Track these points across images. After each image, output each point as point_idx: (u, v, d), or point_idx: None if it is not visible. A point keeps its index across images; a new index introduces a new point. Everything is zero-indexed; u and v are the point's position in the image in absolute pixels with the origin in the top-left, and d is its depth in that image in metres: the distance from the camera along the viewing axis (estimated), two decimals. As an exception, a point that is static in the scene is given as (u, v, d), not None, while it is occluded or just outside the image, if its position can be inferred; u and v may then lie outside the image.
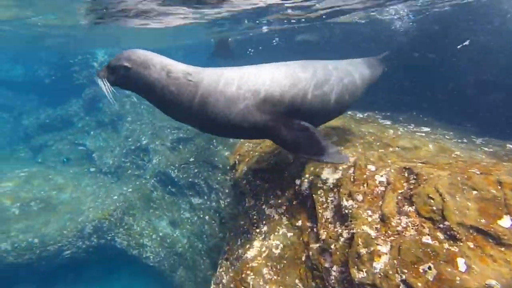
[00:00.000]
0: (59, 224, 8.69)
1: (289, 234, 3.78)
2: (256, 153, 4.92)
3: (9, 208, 8.93)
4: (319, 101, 3.38)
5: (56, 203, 9.52)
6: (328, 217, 3.49)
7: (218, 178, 8.90)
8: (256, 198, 4.35)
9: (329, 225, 3.41)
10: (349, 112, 6.93)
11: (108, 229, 8.49)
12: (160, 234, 8.89)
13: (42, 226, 8.69)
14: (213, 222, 8.53)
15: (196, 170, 9.42)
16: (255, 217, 4.21)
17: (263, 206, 4.16)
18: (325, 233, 3.36)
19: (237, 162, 5.18)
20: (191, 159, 9.79)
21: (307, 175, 3.84)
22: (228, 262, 4.36)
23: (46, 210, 9.27)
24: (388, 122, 6.53)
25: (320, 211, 3.56)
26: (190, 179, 9.31)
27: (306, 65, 3.49)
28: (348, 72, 3.77)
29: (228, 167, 8.45)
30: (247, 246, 4.03)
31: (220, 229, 8.25)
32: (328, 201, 3.59)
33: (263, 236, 3.95)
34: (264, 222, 4.06)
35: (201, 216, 8.90)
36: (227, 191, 8.59)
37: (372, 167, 3.52)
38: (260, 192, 4.33)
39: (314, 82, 3.35)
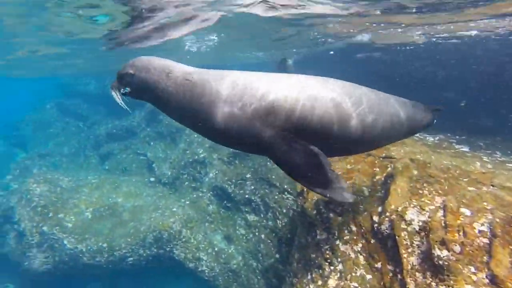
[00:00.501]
0: (123, 231, 9.19)
1: (368, 277, 3.55)
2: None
3: (84, 212, 9.67)
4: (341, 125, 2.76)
5: (121, 210, 10.11)
6: (414, 263, 3.22)
7: (276, 197, 8.82)
8: (329, 231, 4.18)
9: (417, 273, 3.13)
10: (418, 135, 6.49)
11: (167, 241, 8.80)
12: (216, 249, 9.00)
13: (109, 231, 9.26)
14: (269, 241, 8.44)
15: (252, 187, 9.45)
16: (328, 251, 4.04)
17: (337, 242, 3.98)
18: (413, 282, 3.09)
19: (305, 189, 5.06)
20: (248, 175, 9.84)
21: (387, 213, 3.60)
22: (298, 297, 4.23)
23: (113, 217, 9.87)
24: (466, 149, 6.00)
25: (405, 255, 3.30)
26: (247, 196, 9.35)
27: (336, 82, 2.98)
28: (392, 105, 3.15)
29: (289, 190, 8.35)
30: (320, 283, 3.87)
31: (276, 250, 8.13)
32: (414, 245, 3.31)
33: (338, 275, 3.77)
34: (339, 259, 3.87)
35: (257, 234, 8.86)
36: (284, 211, 8.48)
37: (466, 211, 3.20)
38: (333, 225, 4.16)
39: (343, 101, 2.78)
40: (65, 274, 9.34)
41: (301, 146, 2.67)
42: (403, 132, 3.25)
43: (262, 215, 8.99)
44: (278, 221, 8.41)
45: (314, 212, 4.51)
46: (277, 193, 8.95)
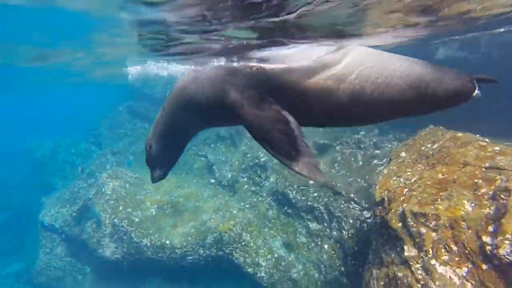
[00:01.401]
0: (184, 230, 9.36)
1: (477, 307, 3.00)
2: (414, 192, 4.23)
3: (149, 208, 10.08)
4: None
5: (182, 209, 10.35)
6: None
7: (341, 206, 8.31)
8: (420, 248, 3.66)
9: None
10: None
11: (227, 243, 8.75)
12: (275, 255, 8.72)
13: (171, 229, 9.51)
14: (333, 252, 7.94)
15: (315, 194, 9.03)
16: (420, 271, 3.53)
17: (433, 262, 3.46)
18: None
19: (386, 199, 4.57)
20: (311, 181, 9.46)
21: (508, 235, 3.01)
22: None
23: (175, 215, 10.15)
24: None
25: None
26: (309, 203, 8.96)
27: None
28: (394, 64, 2.61)
29: (369, 201, 7.80)
30: (411, 307, 3.38)
31: (341, 263, 7.61)
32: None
33: (436, 301, 3.26)
34: (437, 282, 3.35)
35: (319, 243, 8.41)
36: (351, 221, 7.94)
37: None
38: (426, 242, 3.64)
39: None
40: (131, 265, 9.79)
41: (272, 110, 2.50)
42: (414, 100, 2.60)
43: (325, 224, 8.52)
44: (343, 232, 7.89)
45: (400, 224, 4.02)
46: (343, 202, 8.44)
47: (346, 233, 7.80)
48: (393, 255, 3.98)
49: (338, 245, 7.90)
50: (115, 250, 9.50)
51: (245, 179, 11.27)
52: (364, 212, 8.21)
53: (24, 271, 15.25)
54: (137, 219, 9.75)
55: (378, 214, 4.62)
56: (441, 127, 6.12)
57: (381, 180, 5.11)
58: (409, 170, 4.86)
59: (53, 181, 17.42)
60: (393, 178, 4.89)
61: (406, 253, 3.77)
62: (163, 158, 3.40)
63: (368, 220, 7.90)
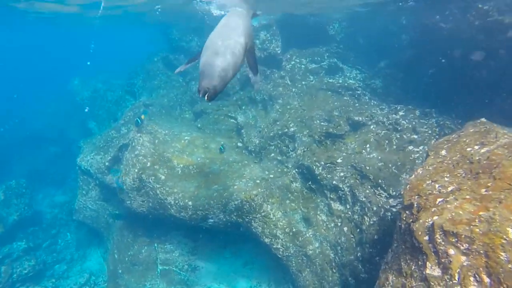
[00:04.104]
0: (207, 193, 9.56)
1: None
2: (449, 205, 3.84)
3: (175, 167, 10.33)
4: None
5: (207, 171, 10.50)
6: None
7: (367, 191, 8.00)
8: (444, 270, 3.39)
9: None
10: None
11: (247, 212, 8.86)
12: (294, 229, 8.77)
13: (195, 190, 9.75)
14: (352, 236, 7.82)
15: (342, 174, 8.73)
16: (441, 296, 3.29)
17: (457, 289, 3.19)
18: None
19: (415, 204, 4.22)
20: (339, 160, 9.11)
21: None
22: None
23: (200, 176, 10.34)
24: None
25: None
26: (334, 182, 8.71)
27: None
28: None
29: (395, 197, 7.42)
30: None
31: (359, 248, 7.50)
32: None
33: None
34: (457, 313, 3.11)
35: (339, 224, 8.30)
36: (375, 208, 7.66)
37: None
38: (453, 264, 3.35)
39: None
40: (155, 218, 10.34)
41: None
42: None
43: (348, 206, 8.32)
44: (365, 218, 7.67)
45: (426, 238, 3.72)
46: (369, 187, 8.11)
47: (368, 220, 7.57)
48: (413, 267, 3.74)
49: (358, 230, 7.74)
50: (141, 203, 9.99)
51: (272, 147, 11.11)
52: (390, 200, 7.86)
53: (67, 204, 16.82)
54: (163, 177, 10.06)
55: (404, 219, 4.30)
56: (495, 125, 5.41)
57: (413, 181, 4.70)
58: (447, 175, 4.40)
59: (90, 125, 18.29)
60: (427, 182, 4.46)
61: (428, 271, 3.52)
62: None
63: (393, 209, 7.58)
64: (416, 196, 4.26)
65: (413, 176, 4.92)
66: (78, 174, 13.63)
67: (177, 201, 9.43)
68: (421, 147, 8.64)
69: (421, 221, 3.85)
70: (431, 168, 4.85)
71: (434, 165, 4.89)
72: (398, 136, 9.20)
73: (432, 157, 5.32)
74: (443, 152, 5.19)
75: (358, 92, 12.19)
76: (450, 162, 4.78)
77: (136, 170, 10.20)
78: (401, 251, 4.16)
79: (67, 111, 21.26)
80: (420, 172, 4.86)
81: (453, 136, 5.72)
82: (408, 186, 4.71)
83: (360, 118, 10.04)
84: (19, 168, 19.66)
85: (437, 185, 4.24)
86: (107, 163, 12.15)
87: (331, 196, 8.80)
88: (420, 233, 3.76)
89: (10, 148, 20.55)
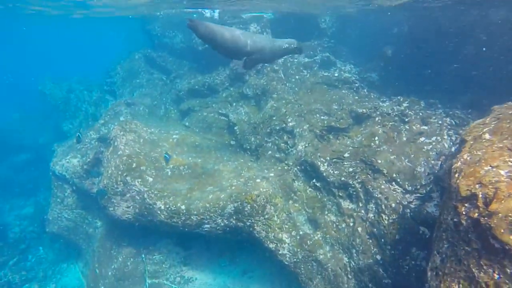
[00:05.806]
0: (202, 195, 8.59)
1: None
2: (528, 193, 3.12)
3: (164, 168, 9.28)
4: None
5: (200, 172, 9.53)
6: None
7: (382, 186, 7.30)
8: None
9: None
10: None
11: (249, 214, 7.94)
12: (300, 232, 7.93)
13: (188, 192, 8.75)
14: (368, 237, 7.07)
15: (351, 169, 8.01)
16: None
17: None
18: None
19: (480, 195, 3.49)
20: (346, 155, 8.39)
21: None
22: None
23: (192, 177, 9.35)
24: None
25: None
26: (343, 178, 7.97)
27: None
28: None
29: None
30: None
31: (378, 250, 6.75)
32: None
33: None
34: None
35: (351, 225, 7.53)
36: (393, 205, 6.95)
37: None
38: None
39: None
40: (143, 226, 9.22)
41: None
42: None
43: (360, 204, 7.58)
44: (383, 216, 6.94)
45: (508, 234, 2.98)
46: (384, 182, 7.41)
47: (387, 218, 6.85)
48: (496, 276, 2.99)
49: (375, 230, 7.00)
50: (126, 210, 8.86)
51: (269, 144, 10.27)
52: (407, 196, 7.20)
53: (38, 215, 15.20)
54: (151, 179, 8.99)
55: (464, 213, 3.57)
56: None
57: (465, 169, 3.98)
58: (510, 159, 3.72)
59: (65, 128, 16.81)
60: (485, 168, 3.76)
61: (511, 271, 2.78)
62: None
63: (411, 206, 6.91)
64: (479, 185, 3.54)
65: (459, 162, 4.21)
66: (52, 181, 12.25)
67: (167, 206, 8.38)
68: (433, 138, 8.05)
69: (500, 215, 3.11)
70: (480, 153, 4.16)
71: (482, 149, 4.20)
72: (408, 128, 8.60)
73: (471, 141, 4.66)
74: (487, 136, 4.53)
75: (356, 85, 11.59)
76: (502, 145, 4.11)
77: (120, 172, 9.06)
78: (465, 253, 3.41)
79: (39, 114, 19.61)
80: (468, 158, 4.16)
81: (488, 119, 5.11)
82: (459, 173, 3.99)
83: (364, 110, 9.39)
84: (-21, 178, 17.78)
85: (502, 171, 3.54)
86: (85, 166, 10.91)
87: (340, 194, 8.04)
88: (501, 230, 3.01)
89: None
